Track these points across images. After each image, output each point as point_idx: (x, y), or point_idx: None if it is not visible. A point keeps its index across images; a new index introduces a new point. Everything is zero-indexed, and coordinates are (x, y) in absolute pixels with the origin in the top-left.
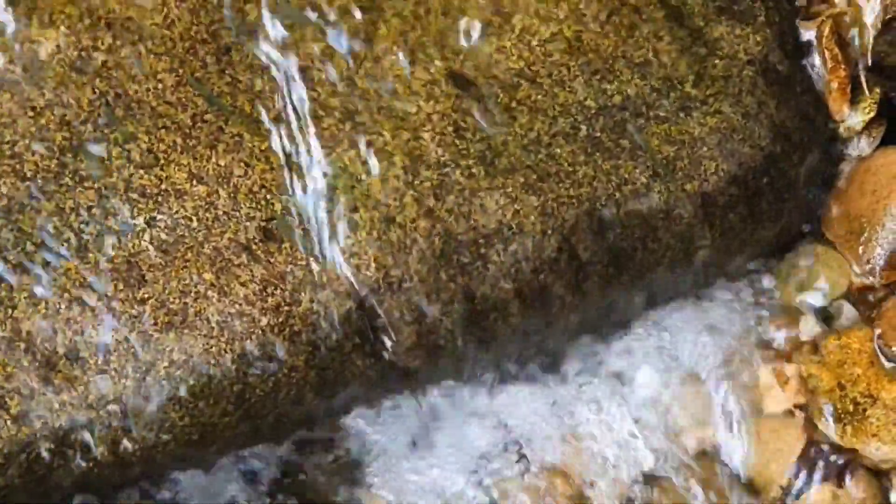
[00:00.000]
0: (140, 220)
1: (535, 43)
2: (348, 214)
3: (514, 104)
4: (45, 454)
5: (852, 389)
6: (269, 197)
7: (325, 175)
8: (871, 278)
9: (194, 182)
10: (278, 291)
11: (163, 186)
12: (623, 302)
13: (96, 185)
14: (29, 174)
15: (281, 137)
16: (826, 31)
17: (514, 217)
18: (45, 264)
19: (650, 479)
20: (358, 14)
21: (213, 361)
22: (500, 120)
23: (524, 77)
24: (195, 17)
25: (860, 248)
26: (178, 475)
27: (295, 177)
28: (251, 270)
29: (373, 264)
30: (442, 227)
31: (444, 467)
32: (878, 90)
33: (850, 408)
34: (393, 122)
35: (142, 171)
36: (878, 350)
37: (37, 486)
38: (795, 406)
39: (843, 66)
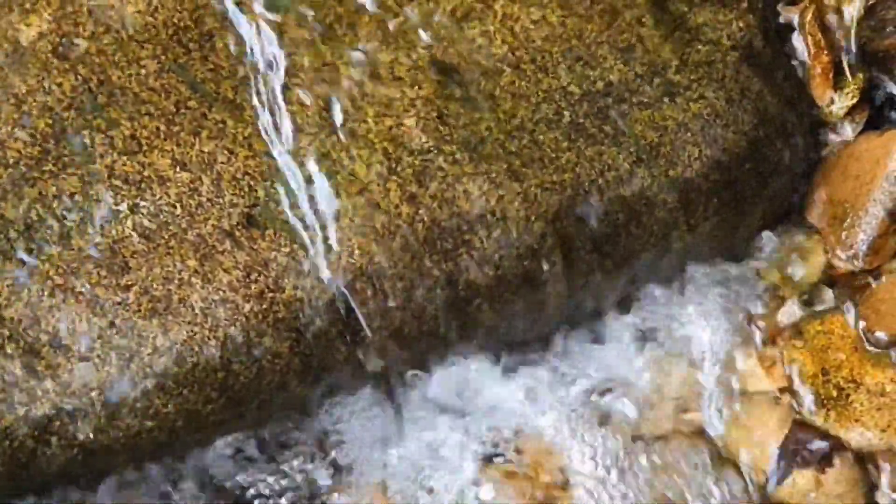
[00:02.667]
0: (123, 207)
1: (518, 29)
2: (332, 201)
3: (497, 90)
4: (28, 442)
5: (836, 374)
6: (252, 183)
7: (308, 161)
8: (854, 263)
9: (178, 169)
10: (262, 278)
11: (146, 173)
12: (606, 287)
13: (79, 172)
14: (12, 161)
15: (264, 124)
16: (809, 16)
17: (497, 203)
18: (29, 251)
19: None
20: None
21: (196, 348)
22: (484, 106)
23: (507, 63)
24: (178, 3)
25: (843, 233)
26: None
27: (278, 163)
28: (235, 257)
29: (356, 251)
30: (425, 214)
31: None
32: (861, 75)
33: (834, 393)
34: (376, 108)
35: (125, 158)
36: (861, 335)
37: (20, 474)
38: (779, 390)
39: (826, 52)
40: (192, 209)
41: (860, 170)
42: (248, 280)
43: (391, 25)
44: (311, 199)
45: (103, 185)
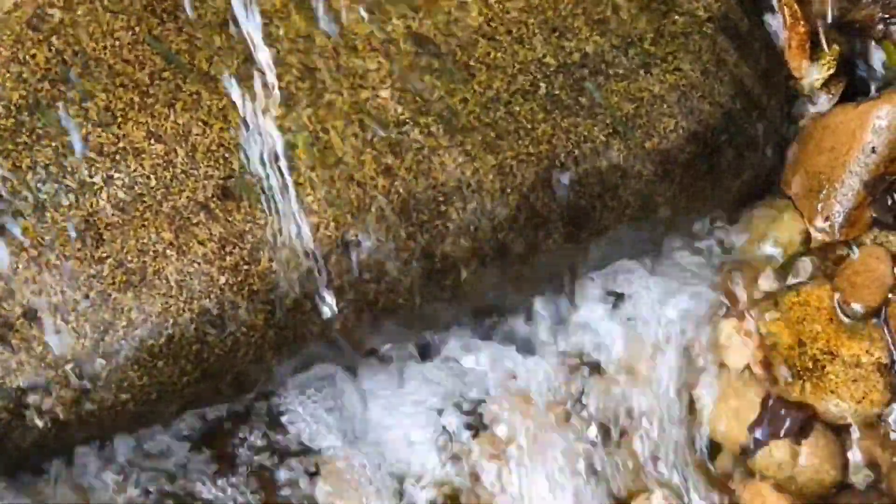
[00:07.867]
0: (98, 179)
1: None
2: (307, 173)
3: (472, 62)
4: (2, 415)
5: (811, 346)
6: (227, 155)
7: (283, 133)
8: (830, 235)
9: (152, 140)
10: (237, 250)
11: (120, 145)
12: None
13: (54, 144)
14: None
15: (239, 95)
16: None
17: (473, 175)
18: (2, 223)
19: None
20: None
21: (171, 320)
22: (459, 77)
23: (483, 34)
24: None
25: (819, 204)
26: None
27: (253, 135)
28: (210, 229)
29: (332, 223)
30: (401, 186)
31: None
32: (837, 47)
33: (809, 364)
34: (352, 79)
35: (99, 130)
36: (837, 307)
37: None
38: (755, 363)
39: (802, 23)
40: (167, 181)
41: (836, 142)
42: (223, 252)
43: None
44: (287, 170)
45: (78, 156)
